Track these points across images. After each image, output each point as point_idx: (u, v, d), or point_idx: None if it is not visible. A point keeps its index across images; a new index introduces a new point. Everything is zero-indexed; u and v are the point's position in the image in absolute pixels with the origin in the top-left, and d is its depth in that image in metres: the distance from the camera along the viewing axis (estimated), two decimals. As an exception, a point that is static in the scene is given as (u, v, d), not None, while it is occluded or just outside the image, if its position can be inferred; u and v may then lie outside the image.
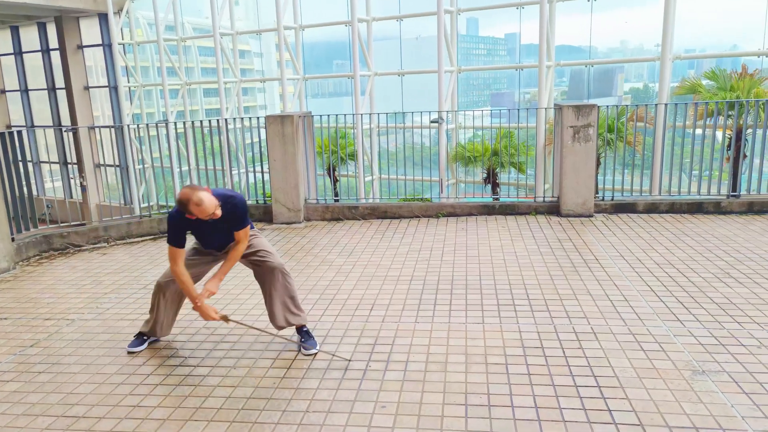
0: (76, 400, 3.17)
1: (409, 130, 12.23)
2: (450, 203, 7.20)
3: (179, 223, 3.36)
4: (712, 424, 2.67)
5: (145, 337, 3.81)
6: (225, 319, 3.49)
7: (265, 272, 3.66)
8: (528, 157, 12.61)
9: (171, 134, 7.24)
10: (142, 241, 6.60)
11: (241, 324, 3.70)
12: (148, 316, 3.81)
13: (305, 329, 3.71)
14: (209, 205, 3.20)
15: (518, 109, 8.50)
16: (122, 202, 14.20)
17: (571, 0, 14.37)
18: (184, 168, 7.73)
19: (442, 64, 13.99)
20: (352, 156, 13.80)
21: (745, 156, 7.71)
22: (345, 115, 8.06)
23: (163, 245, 6.36)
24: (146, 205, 6.90)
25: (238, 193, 3.55)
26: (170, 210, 3.50)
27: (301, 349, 3.62)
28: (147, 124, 6.99)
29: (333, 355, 3.50)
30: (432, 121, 10.78)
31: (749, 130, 7.27)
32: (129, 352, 3.71)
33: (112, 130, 7.50)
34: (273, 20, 16.31)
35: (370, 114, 11.86)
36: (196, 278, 3.61)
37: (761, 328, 3.64)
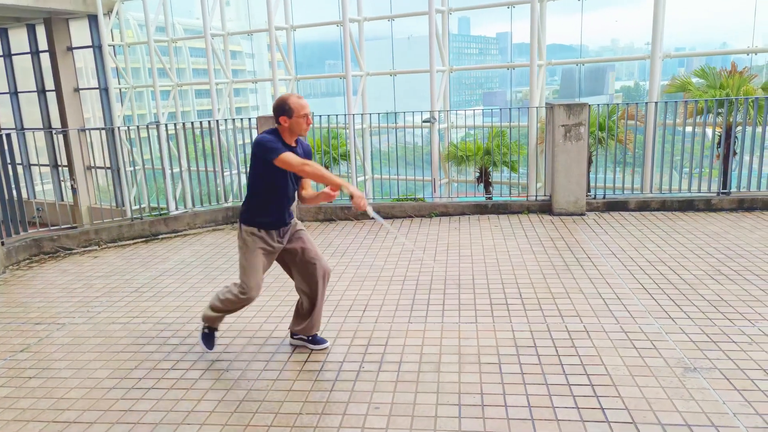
0: (67, 405, 3.14)
1: (402, 130, 12.22)
2: (442, 203, 7.20)
3: (274, 139, 3.21)
4: (704, 421, 2.68)
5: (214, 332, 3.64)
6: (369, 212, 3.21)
7: (317, 273, 3.47)
8: (520, 156, 12.64)
9: (162, 136, 7.20)
10: (134, 243, 6.56)
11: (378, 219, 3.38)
12: (212, 314, 3.54)
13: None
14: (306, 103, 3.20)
15: (510, 108, 8.50)
16: (114, 204, 14.11)
17: (561, -1, 14.41)
18: (176, 170, 7.69)
19: (433, 63, 14.00)
20: (345, 156, 13.79)
21: (735, 153, 7.76)
22: (337, 115, 8.05)
23: (154, 248, 6.33)
24: (138, 207, 6.85)
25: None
26: (259, 137, 3.27)
27: (312, 348, 3.62)
28: (138, 126, 6.95)
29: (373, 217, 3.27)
30: (424, 121, 10.78)
31: (739, 128, 7.32)
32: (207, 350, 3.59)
33: (103, 132, 7.45)
34: (264, 21, 16.26)
35: (362, 114, 11.85)
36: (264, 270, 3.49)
37: (752, 324, 3.66)
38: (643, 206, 6.77)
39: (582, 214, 6.70)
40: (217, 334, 3.67)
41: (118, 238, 6.58)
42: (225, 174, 7.85)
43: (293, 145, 3.33)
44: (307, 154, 3.40)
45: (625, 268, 4.84)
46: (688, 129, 7.74)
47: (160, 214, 6.87)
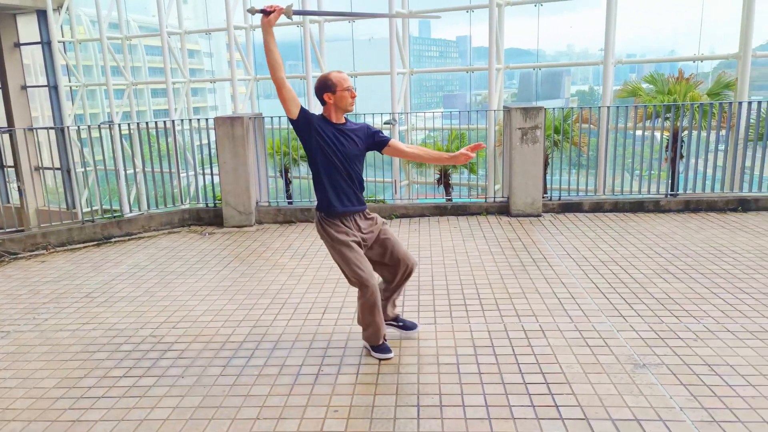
0: (12, 415, 3.01)
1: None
2: (403, 204, 7.23)
3: (313, 115, 3.23)
4: (652, 416, 2.77)
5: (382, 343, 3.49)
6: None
7: (402, 264, 3.46)
8: (479, 158, 12.82)
9: (116, 136, 6.99)
10: (85, 247, 6.35)
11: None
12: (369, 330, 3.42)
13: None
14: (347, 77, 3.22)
15: (469, 111, 8.62)
16: (64, 207, 13.61)
17: (519, 5, 14.70)
18: (130, 171, 7.48)
19: (394, 65, 14.06)
20: (305, 158, 13.70)
21: (681, 156, 8.08)
22: (297, 116, 7.97)
23: (106, 252, 6.14)
24: (89, 209, 6.63)
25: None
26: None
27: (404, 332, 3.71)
28: (89, 126, 6.72)
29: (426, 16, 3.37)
30: (385, 123, 10.81)
31: (685, 132, 7.62)
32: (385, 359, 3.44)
33: (52, 131, 7.18)
34: (223, 19, 15.99)
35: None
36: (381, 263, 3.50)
37: (697, 321, 3.81)
38: (597, 207, 6.97)
39: (538, 216, 6.85)
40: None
41: (67, 242, 6.35)
42: (182, 175, 7.69)
43: (343, 121, 3.31)
44: (367, 136, 3.36)
45: (579, 268, 4.97)
46: (639, 133, 8.01)
47: (114, 217, 6.67)
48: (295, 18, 3.25)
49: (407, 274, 3.52)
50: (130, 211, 7.05)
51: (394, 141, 3.45)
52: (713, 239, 5.65)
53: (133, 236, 6.68)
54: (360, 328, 3.55)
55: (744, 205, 6.75)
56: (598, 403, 2.90)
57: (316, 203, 3.42)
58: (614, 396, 2.96)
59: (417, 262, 3.62)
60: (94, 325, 4.16)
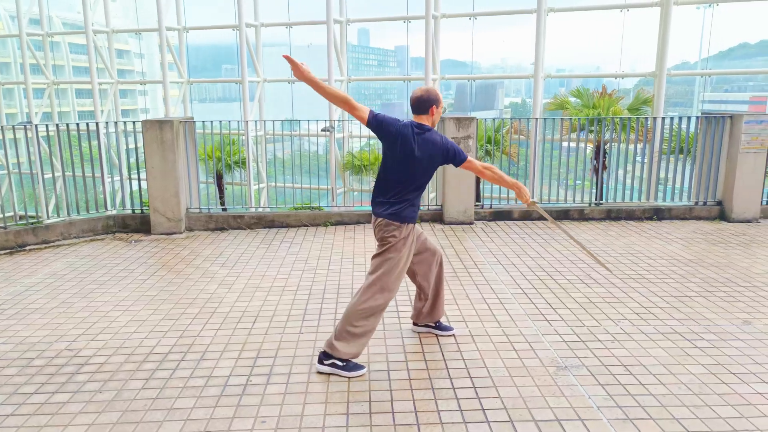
0: None
1: (300, 138, 12.10)
2: (338, 212, 7.22)
3: (396, 122, 3.32)
4: (572, 416, 2.89)
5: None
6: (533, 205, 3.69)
7: (429, 256, 3.61)
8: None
9: (35, 138, 6.58)
10: (-4, 255, 5.93)
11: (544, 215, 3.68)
12: (350, 343, 3.30)
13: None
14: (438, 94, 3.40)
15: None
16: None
17: (454, 17, 15.08)
18: (48, 176, 7.07)
19: (332, 73, 14.07)
20: (240, 163, 13.42)
21: (605, 167, 8.52)
22: (230, 121, 7.81)
23: (19, 260, 5.76)
24: (2, 216, 6.20)
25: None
26: (436, 135, 3.37)
27: (439, 334, 3.82)
28: (2, 127, 6.30)
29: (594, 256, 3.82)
30: (322, 130, 10.78)
31: (608, 144, 8.05)
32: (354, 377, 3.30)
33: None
34: (154, 20, 15.47)
35: (257, 121, 11.61)
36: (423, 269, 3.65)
37: (615, 324, 4.01)
38: (526, 216, 7.21)
39: (471, 223, 7.02)
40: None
41: (-24, 250, 5.91)
42: (107, 180, 7.34)
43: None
44: (447, 154, 3.41)
45: (508, 274, 5.13)
46: (566, 144, 8.39)
47: (30, 223, 6.27)
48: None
49: (441, 265, 3.70)
50: (48, 217, 6.66)
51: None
52: (631, 246, 5.97)
53: (51, 244, 6.30)
54: (288, 339, 3.49)
55: (658, 214, 7.19)
56: (522, 405, 2.99)
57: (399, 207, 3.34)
58: (538, 398, 3.06)
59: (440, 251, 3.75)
60: (4, 339, 3.88)
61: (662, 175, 7.43)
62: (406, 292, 4.66)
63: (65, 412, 2.98)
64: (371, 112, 3.36)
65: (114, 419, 2.91)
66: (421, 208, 7.33)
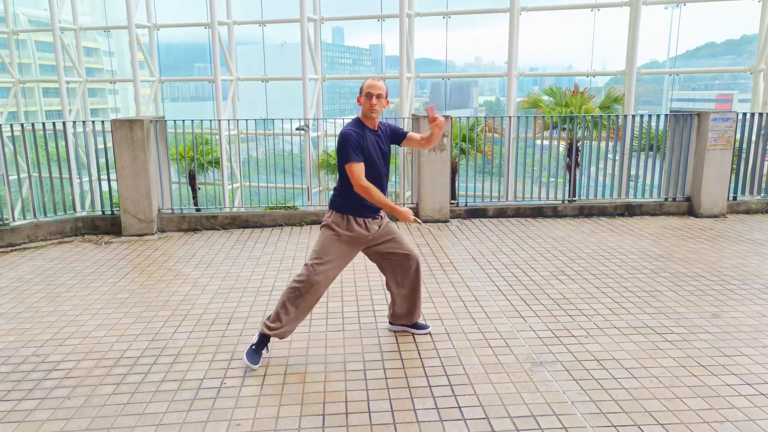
0: None
1: (274, 137, 11.99)
2: (313, 211, 7.17)
3: (356, 137, 3.30)
4: (547, 411, 2.91)
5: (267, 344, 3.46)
6: (417, 221, 3.55)
7: (403, 261, 3.60)
8: (391, 165, 13.03)
9: (0, 138, 6.38)
10: (-41, 259, 5.74)
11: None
12: (274, 321, 3.40)
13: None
14: (384, 86, 3.39)
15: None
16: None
17: (428, 16, 15.12)
18: (13, 176, 6.87)
19: (306, 71, 13.98)
20: (213, 163, 13.24)
21: (578, 165, 8.63)
22: (202, 120, 7.70)
23: (-15, 264, 5.59)
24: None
25: None
26: (342, 130, 3.39)
27: (415, 332, 3.83)
28: (-35, 126, 6.10)
29: None
30: (297, 128, 10.69)
31: (581, 142, 8.15)
32: (249, 368, 3.37)
33: None
34: (124, 17, 15.17)
35: (230, 120, 11.47)
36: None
37: (588, 319, 4.07)
38: (500, 213, 7.27)
39: (446, 221, 7.04)
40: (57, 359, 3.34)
41: (-62, 254, 5.71)
42: (76, 181, 7.16)
43: (374, 128, 3.43)
44: (393, 134, 3.55)
45: (483, 271, 5.16)
46: (540, 142, 8.48)
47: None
48: None
49: (408, 260, 3.64)
50: (14, 219, 6.47)
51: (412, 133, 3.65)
52: (603, 242, 6.07)
53: (17, 247, 6.13)
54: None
55: (630, 210, 7.32)
56: (498, 402, 3.00)
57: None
58: (513, 394, 3.08)
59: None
60: (-33, 346, 3.76)
61: (633, 171, 7.56)
62: (382, 290, 4.65)
63: (33, 420, 2.89)
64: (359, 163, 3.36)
65: (84, 426, 2.84)
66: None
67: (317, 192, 13.69)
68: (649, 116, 7.73)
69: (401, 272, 3.65)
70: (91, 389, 3.19)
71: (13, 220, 6.46)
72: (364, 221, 3.46)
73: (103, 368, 3.43)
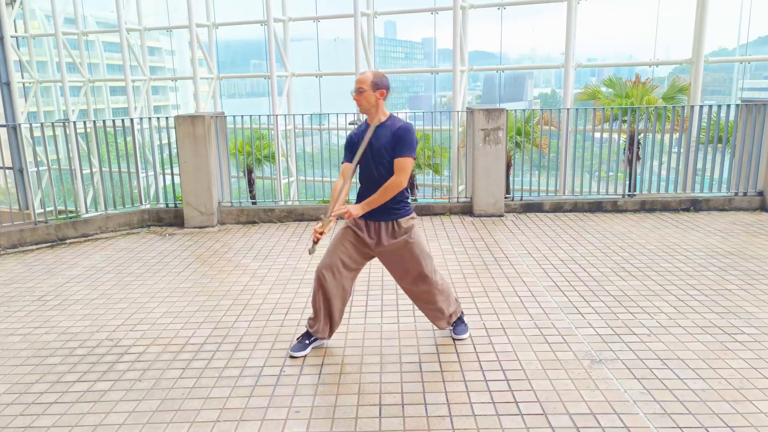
0: (-43, 425, 2.89)
1: (328, 132, 12.16)
2: (367, 205, 7.23)
3: (349, 136, 3.37)
4: (607, 409, 2.85)
5: (307, 341, 3.54)
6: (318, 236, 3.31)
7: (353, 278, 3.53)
8: (444, 159, 12.94)
9: (72, 134, 6.76)
10: (38, 249, 6.13)
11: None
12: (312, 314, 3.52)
13: (455, 322, 3.67)
14: (366, 77, 3.21)
15: (433, 113, 8.68)
16: (17, 207, 13.10)
17: (483, 8, 14.90)
18: (86, 171, 7.26)
19: (359, 66, 14.07)
20: (269, 157, 13.56)
21: (639, 158, 8.32)
22: (260, 116, 7.89)
23: (60, 253, 5.95)
24: (43, 210, 6.41)
25: (405, 120, 3.33)
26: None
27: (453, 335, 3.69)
28: (42, 124, 6.49)
29: None
30: (350, 123, 10.80)
31: (642, 135, 7.86)
32: (291, 356, 3.48)
33: (4, 129, 6.91)
34: (184, 16, 15.71)
35: (286, 115, 11.71)
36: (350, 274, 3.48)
37: (651, 317, 3.93)
38: (557, 207, 7.11)
39: (501, 216, 6.95)
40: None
41: (19, 244, 6.12)
42: (142, 175, 7.50)
43: (370, 122, 3.29)
44: (394, 138, 3.21)
45: (539, 266, 5.07)
46: (598, 135, 8.22)
47: (69, 218, 6.46)
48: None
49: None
50: (87, 211, 6.84)
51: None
52: (667, 238, 5.84)
53: (90, 237, 6.48)
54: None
55: (696, 205, 7.00)
56: (556, 398, 2.96)
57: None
58: (571, 391, 3.02)
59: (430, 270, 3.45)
60: (47, 329, 4.02)
61: (699, 165, 7.23)
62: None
63: (107, 400, 3.07)
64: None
65: (153, 407, 2.99)
66: (450, 200, 7.30)
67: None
68: (718, 107, 7.36)
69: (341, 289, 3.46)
70: (160, 373, 3.35)
71: (86, 212, 6.84)
72: (364, 220, 3.38)
73: (170, 353, 3.60)
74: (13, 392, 3.18)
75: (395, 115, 3.34)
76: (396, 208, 3.33)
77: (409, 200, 3.44)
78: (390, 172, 3.25)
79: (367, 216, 3.34)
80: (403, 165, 3.21)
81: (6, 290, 4.86)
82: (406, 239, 3.34)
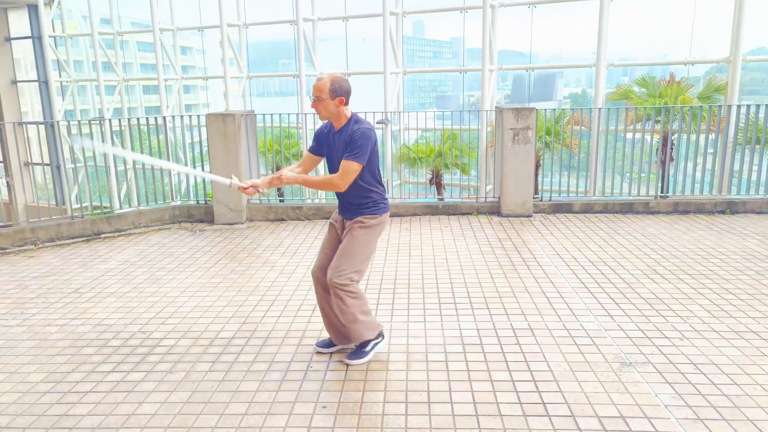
0: (-2, 411, 2.99)
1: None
2: (394, 204, 7.24)
3: (318, 130, 3.37)
4: (637, 413, 2.80)
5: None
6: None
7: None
8: (471, 159, 12.87)
9: (107, 132, 6.94)
10: (74, 243, 6.31)
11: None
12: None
13: (359, 345, 3.40)
14: (323, 85, 3.11)
15: (461, 111, 8.64)
16: (54, 202, 13.50)
17: (512, 6, 14.76)
18: (120, 168, 7.44)
19: (387, 65, 14.08)
20: (296, 156, 13.67)
21: (672, 159, 8.15)
22: (289, 114, 7.97)
23: (96, 247, 6.11)
24: (79, 206, 6.59)
25: (374, 128, 3.26)
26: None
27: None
28: (79, 121, 6.68)
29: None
30: (378, 122, 10.82)
31: (675, 135, 7.69)
32: (318, 352, 3.52)
33: (42, 126, 7.13)
34: (216, 17, 15.95)
35: (314, 114, 11.79)
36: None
37: (683, 321, 3.85)
38: (587, 208, 7.01)
39: (529, 216, 6.89)
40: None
41: (56, 237, 6.31)
42: (173, 173, 7.65)
43: (336, 129, 3.24)
44: (348, 140, 3.15)
45: (568, 267, 5.00)
46: (630, 135, 8.07)
47: (103, 213, 6.63)
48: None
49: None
50: (120, 207, 7.01)
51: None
52: (701, 241, 5.70)
53: (123, 232, 6.64)
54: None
55: (732, 208, 6.82)
56: (584, 401, 2.92)
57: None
58: (601, 394, 2.98)
59: (345, 278, 3.23)
60: (83, 321, 4.14)
61: (736, 167, 7.03)
62: (463, 283, 4.64)
63: (139, 390, 3.15)
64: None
65: (184, 399, 3.05)
66: (477, 200, 7.26)
67: (397, 185, 13.79)
68: (757, 106, 7.15)
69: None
70: (190, 365, 3.42)
71: (120, 207, 7.01)
72: (341, 217, 3.39)
73: (200, 347, 3.67)
74: (50, 381, 3.29)
75: (359, 117, 3.24)
76: (361, 208, 3.28)
77: (380, 203, 3.31)
78: (360, 172, 3.20)
79: (342, 212, 3.38)
80: (346, 167, 3.12)
81: (44, 282, 5.02)
82: (354, 227, 3.27)
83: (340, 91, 3.16)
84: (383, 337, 3.47)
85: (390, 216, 7.04)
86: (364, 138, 3.14)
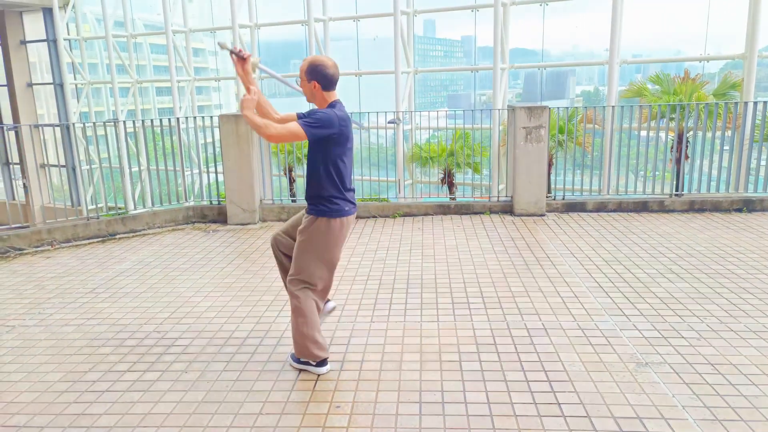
0: (17, 409, 3.04)
1: (367, 131, 12.19)
2: (406, 203, 7.24)
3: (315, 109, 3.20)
4: (654, 414, 2.77)
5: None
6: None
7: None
8: (483, 158, 12.81)
9: (121, 134, 7.02)
10: (90, 243, 6.38)
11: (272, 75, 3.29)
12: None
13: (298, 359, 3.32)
14: (302, 66, 3.03)
15: (473, 110, 8.61)
16: (69, 203, 13.66)
17: (524, 4, 14.68)
18: (135, 168, 7.51)
19: (399, 65, 14.07)
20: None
21: (687, 157, 8.05)
22: (301, 114, 7.99)
23: (111, 248, 6.17)
24: (94, 207, 6.67)
25: (348, 122, 3.10)
26: None
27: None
28: (94, 123, 6.75)
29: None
30: (389, 122, 10.81)
31: (690, 133, 7.60)
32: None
33: (58, 128, 7.22)
34: (228, 18, 16.03)
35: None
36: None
37: (701, 321, 3.81)
38: (601, 207, 6.95)
39: (542, 215, 6.85)
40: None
41: (72, 238, 6.38)
42: (186, 173, 7.71)
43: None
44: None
45: (582, 267, 4.97)
46: (644, 133, 7.99)
47: (118, 214, 6.70)
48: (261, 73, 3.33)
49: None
50: (135, 208, 7.08)
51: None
52: (717, 239, 5.63)
53: (138, 233, 6.70)
54: (360, 327, 3.53)
55: (749, 206, 6.73)
56: (600, 401, 2.90)
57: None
58: (616, 394, 2.96)
59: (300, 287, 3.24)
60: (99, 321, 4.18)
61: (752, 164, 6.94)
62: (476, 283, 4.63)
63: (155, 390, 3.18)
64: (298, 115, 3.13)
65: (199, 398, 3.07)
66: (490, 199, 7.23)
67: (409, 184, 13.78)
68: (773, 103, 7.04)
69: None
70: (205, 365, 3.44)
71: (134, 208, 7.08)
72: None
73: (214, 347, 3.69)
74: (67, 380, 3.33)
75: (342, 107, 3.09)
76: (310, 203, 3.18)
77: (328, 207, 3.11)
78: (314, 161, 3.10)
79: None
80: (289, 125, 2.96)
81: (61, 282, 5.08)
82: (300, 231, 3.18)
83: (315, 75, 3.03)
84: (316, 366, 3.25)
85: (402, 215, 7.04)
86: (325, 117, 2.98)
